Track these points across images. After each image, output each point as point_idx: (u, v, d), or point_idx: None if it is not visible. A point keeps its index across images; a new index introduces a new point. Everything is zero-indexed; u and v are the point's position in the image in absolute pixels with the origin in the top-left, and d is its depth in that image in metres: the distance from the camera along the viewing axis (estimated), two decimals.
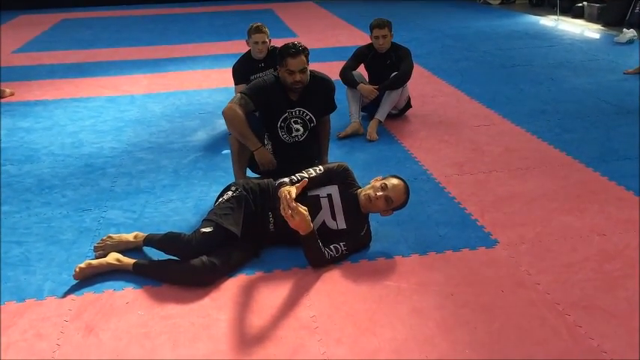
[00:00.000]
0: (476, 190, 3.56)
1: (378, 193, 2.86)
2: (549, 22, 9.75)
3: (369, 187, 2.92)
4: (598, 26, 9.09)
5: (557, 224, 3.14)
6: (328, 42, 8.33)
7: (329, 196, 2.92)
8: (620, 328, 2.32)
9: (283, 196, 2.68)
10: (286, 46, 3.30)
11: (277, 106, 3.40)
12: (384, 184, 2.89)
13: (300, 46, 3.29)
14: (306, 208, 2.69)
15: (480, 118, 4.90)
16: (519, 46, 7.82)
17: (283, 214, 2.66)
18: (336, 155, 3.97)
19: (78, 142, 4.61)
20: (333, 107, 3.63)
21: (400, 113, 4.92)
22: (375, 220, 3.08)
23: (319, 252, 2.75)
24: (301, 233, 2.70)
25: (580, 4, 9.95)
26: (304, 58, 3.28)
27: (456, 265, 2.78)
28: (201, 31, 9.67)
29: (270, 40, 4.54)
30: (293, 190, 2.72)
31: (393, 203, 2.90)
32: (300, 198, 2.79)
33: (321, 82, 3.47)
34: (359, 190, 2.98)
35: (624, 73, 6.17)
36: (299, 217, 2.65)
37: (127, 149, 4.42)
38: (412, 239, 3.02)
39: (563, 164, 3.92)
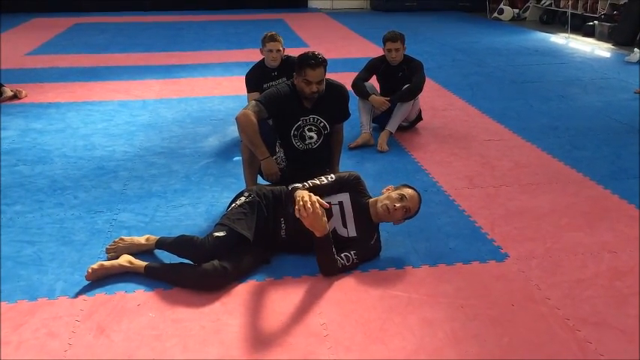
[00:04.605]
0: (486, 204, 3.57)
1: (396, 205, 2.86)
2: (560, 39, 9.78)
3: (385, 198, 2.92)
4: (609, 45, 9.13)
5: (567, 240, 3.14)
6: (339, 53, 8.37)
7: (340, 203, 2.93)
8: (630, 345, 2.33)
9: (300, 197, 2.67)
10: (306, 55, 3.28)
11: (291, 115, 3.41)
12: (402, 194, 2.90)
13: (320, 57, 3.28)
14: (323, 211, 2.69)
15: (490, 132, 4.92)
16: (530, 62, 7.85)
17: (297, 210, 2.64)
18: (346, 165, 3.98)
19: (90, 144, 4.64)
20: (346, 115, 3.63)
21: (411, 125, 4.94)
22: (385, 231, 3.09)
23: (332, 258, 2.74)
24: (316, 235, 2.70)
25: (591, 23, 10.00)
26: (323, 70, 3.29)
27: (466, 278, 2.79)
28: (213, 39, 9.74)
29: (283, 49, 4.57)
30: (313, 195, 2.73)
31: (409, 212, 2.92)
32: None
33: (335, 90, 3.48)
34: (370, 199, 2.99)
35: (635, 93, 6.18)
36: (314, 215, 2.64)
37: (138, 153, 4.45)
38: (422, 250, 3.03)
39: (573, 181, 3.93)
